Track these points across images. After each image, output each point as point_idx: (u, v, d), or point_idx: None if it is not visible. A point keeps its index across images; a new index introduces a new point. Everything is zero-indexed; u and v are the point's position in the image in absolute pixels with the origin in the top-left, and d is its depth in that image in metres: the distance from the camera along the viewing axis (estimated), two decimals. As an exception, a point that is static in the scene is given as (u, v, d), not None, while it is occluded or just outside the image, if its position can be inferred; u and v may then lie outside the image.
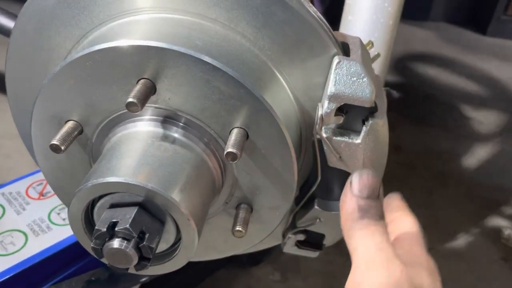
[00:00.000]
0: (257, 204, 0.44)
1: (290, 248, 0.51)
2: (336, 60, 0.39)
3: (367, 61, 0.43)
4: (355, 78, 0.39)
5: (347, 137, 0.41)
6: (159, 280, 0.83)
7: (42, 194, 0.73)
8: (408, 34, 2.53)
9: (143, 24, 0.39)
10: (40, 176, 0.76)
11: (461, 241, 1.13)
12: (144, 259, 0.35)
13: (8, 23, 0.50)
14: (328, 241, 0.50)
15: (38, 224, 0.68)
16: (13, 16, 0.49)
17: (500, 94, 1.96)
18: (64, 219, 0.69)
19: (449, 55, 2.28)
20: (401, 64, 2.13)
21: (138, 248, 0.34)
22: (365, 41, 0.63)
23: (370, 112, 0.41)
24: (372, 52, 0.56)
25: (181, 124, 0.39)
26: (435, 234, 1.12)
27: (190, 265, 0.92)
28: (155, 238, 0.34)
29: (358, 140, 0.41)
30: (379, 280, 0.32)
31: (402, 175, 1.36)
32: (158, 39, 0.36)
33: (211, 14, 0.40)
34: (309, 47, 0.41)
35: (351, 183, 0.36)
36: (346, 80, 0.39)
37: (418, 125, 1.64)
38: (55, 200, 0.72)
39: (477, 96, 1.92)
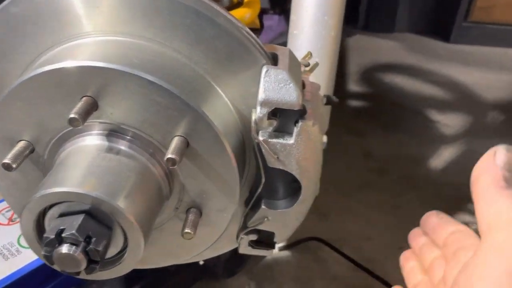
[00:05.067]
0: (205, 208, 0.47)
1: (244, 248, 0.54)
2: (264, 69, 0.43)
3: (295, 69, 0.47)
4: (282, 85, 0.43)
5: (282, 139, 0.45)
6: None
7: (11, 220, 0.75)
8: (374, 46, 2.62)
9: (84, 47, 0.43)
10: (8, 202, 0.78)
11: (430, 239, 1.17)
12: (93, 263, 0.37)
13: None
14: (278, 239, 0.53)
15: (7, 249, 0.69)
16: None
17: (465, 98, 2.04)
18: (32, 242, 0.70)
19: (415, 64, 2.37)
20: (369, 74, 2.20)
21: (86, 252, 0.36)
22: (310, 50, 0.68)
23: (301, 114, 0.45)
24: (312, 61, 0.61)
25: (126, 136, 0.42)
26: (403, 234, 1.16)
27: (163, 280, 0.94)
28: (101, 241, 0.37)
29: (291, 141, 0.45)
30: None
31: (372, 180, 1.40)
32: (97, 59, 0.40)
33: (147, 34, 0.43)
34: (241, 60, 0.44)
35: (495, 153, 0.36)
36: (274, 86, 0.43)
37: (387, 131, 1.70)
38: (24, 224, 0.74)
39: (442, 101, 1.99)
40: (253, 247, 0.54)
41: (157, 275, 0.88)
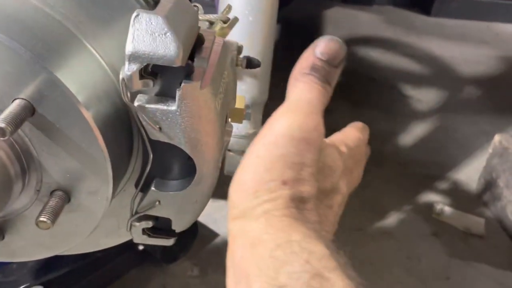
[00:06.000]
0: (74, 190, 0.38)
1: (139, 237, 0.46)
2: (134, 14, 0.34)
3: (183, 17, 0.37)
4: (156, 34, 0.34)
5: (163, 104, 0.36)
6: (64, 283, 0.76)
7: None
8: (352, 19, 2.51)
9: None
10: None
11: (392, 219, 1.10)
12: None
13: None
14: (176, 226, 0.45)
15: None
16: None
17: (441, 73, 1.96)
18: None
19: (393, 37, 2.28)
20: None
21: None
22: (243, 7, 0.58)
23: (187, 74, 0.36)
24: (230, 16, 0.51)
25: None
26: (363, 215, 1.09)
27: (97, 266, 0.86)
28: None
29: (173, 107, 0.36)
30: (295, 122, 0.35)
31: (337, 158, 1.32)
32: None
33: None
34: (107, 4, 0.35)
35: (317, 43, 0.37)
36: (145, 36, 0.34)
37: (357, 107, 1.61)
38: None
39: (417, 76, 1.91)
40: (149, 235, 0.46)
41: (85, 261, 0.79)
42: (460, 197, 1.17)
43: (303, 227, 0.33)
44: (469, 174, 1.25)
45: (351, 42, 2.18)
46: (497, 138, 1.14)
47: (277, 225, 0.33)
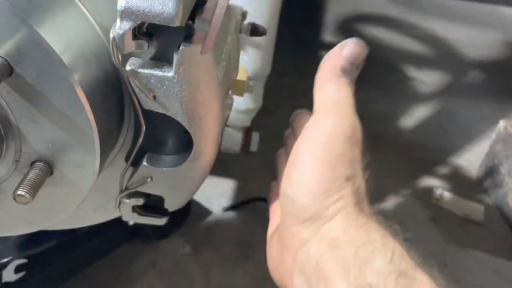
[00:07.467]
0: (57, 162, 0.34)
1: (128, 215, 0.42)
2: (128, -36, 0.30)
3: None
4: (153, -12, 0.30)
5: (158, 70, 0.32)
6: (50, 258, 0.74)
7: None
8: (356, -5, 2.44)
9: None
10: None
11: (390, 203, 1.07)
12: None
13: None
14: (169, 205, 0.42)
15: None
16: None
17: (445, 54, 1.91)
18: None
19: (397, 16, 2.21)
20: (347, 25, 2.04)
21: None
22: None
23: (186, 36, 0.32)
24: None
25: None
26: (362, 197, 1.06)
27: (84, 241, 0.83)
28: None
29: (170, 73, 0.32)
30: (343, 122, 0.37)
31: (336, 138, 1.29)
32: None
33: None
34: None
35: (345, 44, 0.39)
36: (140, -10, 0.30)
37: (357, 87, 1.57)
38: None
39: (420, 57, 1.86)
40: (140, 213, 0.43)
41: (71, 236, 0.76)
42: (460, 182, 1.14)
43: (376, 224, 0.35)
44: (470, 160, 1.22)
45: (354, 20, 2.12)
46: (501, 123, 1.11)
47: (355, 223, 0.34)
